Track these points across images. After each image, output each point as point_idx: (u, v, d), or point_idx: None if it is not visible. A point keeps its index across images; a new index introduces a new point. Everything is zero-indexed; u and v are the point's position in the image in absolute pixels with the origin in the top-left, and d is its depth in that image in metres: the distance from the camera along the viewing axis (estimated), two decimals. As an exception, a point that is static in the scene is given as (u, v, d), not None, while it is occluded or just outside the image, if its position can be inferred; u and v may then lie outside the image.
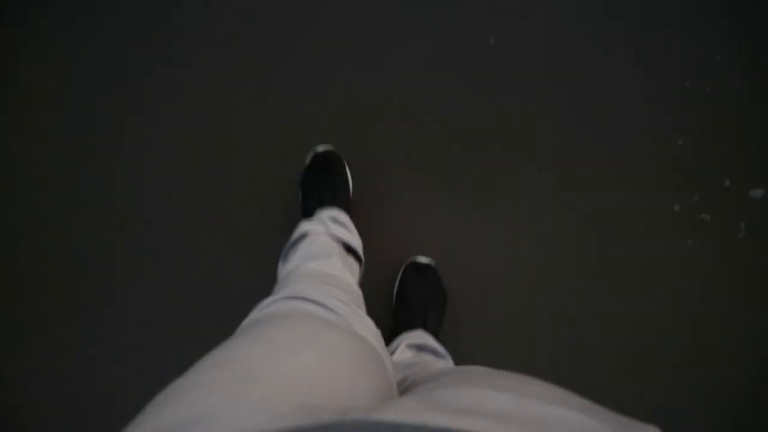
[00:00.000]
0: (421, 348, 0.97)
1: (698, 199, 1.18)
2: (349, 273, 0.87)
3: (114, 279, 1.16)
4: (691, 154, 1.18)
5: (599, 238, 1.17)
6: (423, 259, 1.15)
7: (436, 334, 1.05)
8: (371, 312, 0.97)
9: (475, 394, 0.37)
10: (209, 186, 1.18)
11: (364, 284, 0.95)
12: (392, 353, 0.94)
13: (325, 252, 0.87)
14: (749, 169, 1.18)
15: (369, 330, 0.63)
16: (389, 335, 1.08)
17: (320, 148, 1.14)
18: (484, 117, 1.19)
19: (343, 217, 1.01)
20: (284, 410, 0.36)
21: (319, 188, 1.08)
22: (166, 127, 1.19)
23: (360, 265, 0.99)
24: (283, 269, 0.89)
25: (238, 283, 1.15)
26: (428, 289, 1.12)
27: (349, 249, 0.95)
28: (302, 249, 0.88)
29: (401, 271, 1.15)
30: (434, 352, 0.96)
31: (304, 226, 0.94)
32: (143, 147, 1.19)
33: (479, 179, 1.18)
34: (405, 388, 0.72)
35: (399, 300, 1.12)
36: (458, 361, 1.00)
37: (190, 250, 1.17)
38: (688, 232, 1.17)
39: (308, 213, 1.04)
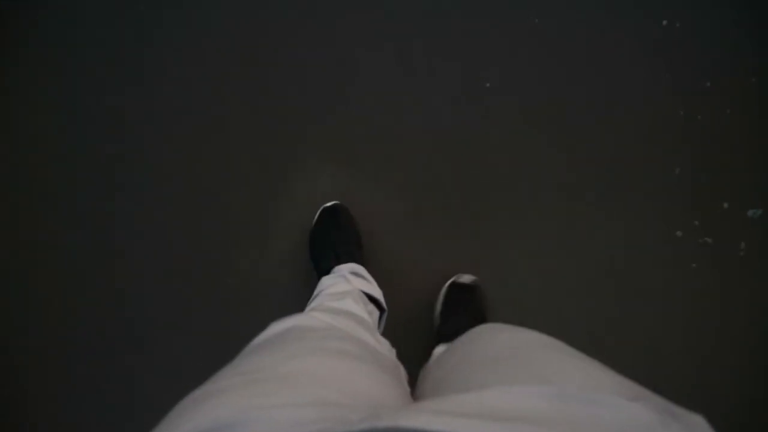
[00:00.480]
0: None
1: (699, 224, 1.21)
2: (367, 315, 0.88)
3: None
4: (690, 181, 1.22)
5: (607, 267, 1.20)
6: (466, 278, 1.14)
7: None
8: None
9: (513, 391, 0.34)
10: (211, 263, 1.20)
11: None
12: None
13: (344, 294, 0.88)
14: (746, 190, 1.22)
15: (384, 345, 0.64)
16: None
17: (328, 204, 1.16)
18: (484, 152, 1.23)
19: (361, 270, 1.03)
20: (311, 411, 0.35)
21: (333, 244, 1.08)
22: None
23: (383, 314, 1.00)
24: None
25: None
26: (472, 308, 1.10)
27: (371, 299, 0.96)
28: (324, 295, 0.90)
29: (444, 291, 1.14)
30: None
31: (326, 281, 0.96)
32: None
33: (480, 219, 1.21)
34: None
35: (442, 319, 1.10)
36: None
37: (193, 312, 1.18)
38: (691, 256, 1.21)
39: (324, 270, 1.05)
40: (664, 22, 1.24)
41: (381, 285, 1.04)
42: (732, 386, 1.17)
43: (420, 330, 1.15)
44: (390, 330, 1.02)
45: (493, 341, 0.57)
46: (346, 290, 0.89)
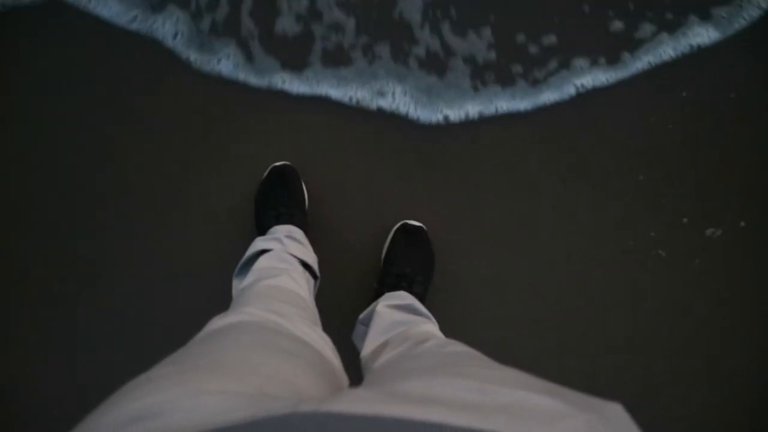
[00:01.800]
0: (404, 309, 0.93)
1: (654, 235, 1.19)
2: (305, 289, 0.89)
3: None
4: (652, 191, 1.19)
5: (561, 258, 1.18)
6: (413, 223, 1.13)
7: (422, 298, 1.02)
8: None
9: (437, 383, 0.37)
10: (161, 206, 1.18)
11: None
12: (372, 313, 0.92)
13: (280, 269, 0.87)
14: (708, 209, 1.19)
15: (322, 340, 0.64)
16: (375, 298, 1.04)
17: (278, 162, 1.14)
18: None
19: (298, 233, 1.01)
20: (240, 400, 0.36)
21: (275, 204, 1.07)
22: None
23: (316, 281, 1.00)
24: (238, 286, 0.90)
25: (193, 302, 1.11)
26: (416, 252, 1.09)
27: (305, 265, 0.95)
28: (257, 266, 0.88)
29: (391, 234, 1.13)
30: (417, 313, 0.93)
31: (260, 243, 0.94)
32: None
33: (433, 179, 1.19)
34: (384, 355, 0.74)
35: (386, 262, 1.10)
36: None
37: (142, 271, 1.16)
38: (640, 266, 1.18)
39: (263, 229, 1.04)
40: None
41: (323, 248, 1.03)
42: (675, 397, 1.15)
43: (366, 286, 1.13)
44: (336, 289, 1.03)
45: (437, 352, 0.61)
46: (280, 269, 0.88)
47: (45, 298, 1.14)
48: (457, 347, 0.58)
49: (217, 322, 0.61)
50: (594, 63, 1.22)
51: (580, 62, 1.21)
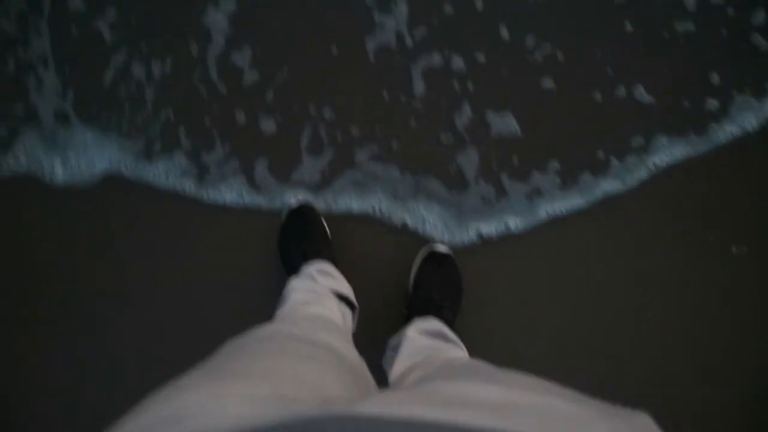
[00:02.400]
0: (432, 334, 0.94)
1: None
2: (338, 316, 0.89)
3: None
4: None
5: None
6: (441, 248, 1.12)
7: (450, 324, 1.02)
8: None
9: (463, 386, 0.37)
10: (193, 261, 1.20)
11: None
12: (401, 338, 0.93)
13: (312, 300, 0.89)
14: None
15: (352, 352, 0.64)
16: (404, 323, 1.04)
17: (294, 203, 1.16)
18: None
19: (328, 267, 1.03)
20: (267, 405, 0.36)
21: (300, 243, 1.08)
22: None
23: (354, 311, 1.00)
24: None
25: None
26: (445, 279, 1.09)
27: (340, 297, 0.96)
28: (290, 301, 0.89)
29: (419, 259, 1.13)
30: (445, 339, 0.93)
31: (293, 282, 0.94)
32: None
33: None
34: (412, 376, 0.74)
35: (415, 288, 1.09)
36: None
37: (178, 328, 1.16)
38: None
39: (293, 270, 1.04)
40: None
41: (353, 276, 1.05)
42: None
43: (395, 312, 1.14)
44: (365, 315, 1.04)
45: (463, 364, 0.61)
46: (313, 298, 0.89)
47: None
48: (485, 363, 0.58)
49: (245, 334, 0.60)
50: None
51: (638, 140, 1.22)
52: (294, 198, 1.18)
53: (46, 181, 1.22)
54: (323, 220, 1.16)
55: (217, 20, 1.26)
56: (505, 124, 1.22)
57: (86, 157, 1.22)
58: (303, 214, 1.13)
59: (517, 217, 1.18)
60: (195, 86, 1.24)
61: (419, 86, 1.23)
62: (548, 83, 1.23)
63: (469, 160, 1.21)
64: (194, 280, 1.18)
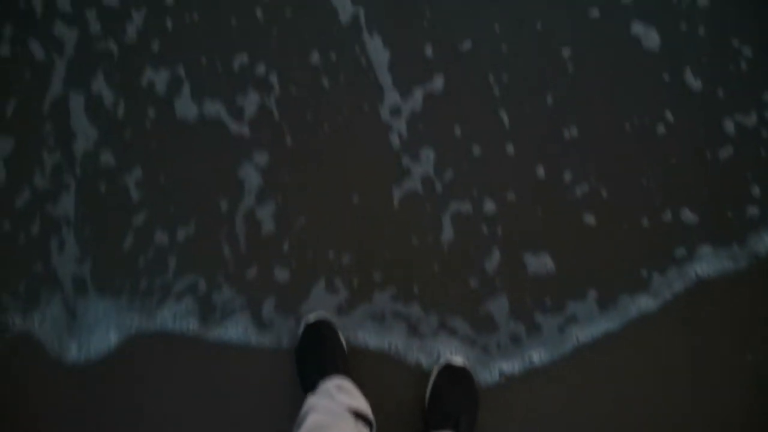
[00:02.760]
0: None
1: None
2: None
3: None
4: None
5: None
6: (457, 361, 1.12)
7: None
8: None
9: None
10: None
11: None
12: None
13: (332, 423, 0.89)
14: None
15: None
16: None
17: (311, 318, 1.15)
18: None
19: (346, 384, 1.02)
20: None
21: (317, 360, 1.09)
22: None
23: (371, 428, 0.99)
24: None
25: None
26: (462, 391, 1.10)
27: (358, 415, 0.96)
28: (306, 425, 0.88)
29: (434, 374, 1.13)
30: None
31: (311, 400, 0.95)
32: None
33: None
34: None
35: (431, 402, 1.10)
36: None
37: None
38: None
39: (310, 386, 1.05)
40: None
41: (369, 388, 1.04)
42: None
43: (412, 427, 1.13)
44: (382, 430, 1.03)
45: None
46: (330, 421, 0.89)
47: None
48: None
49: None
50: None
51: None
52: (312, 313, 1.17)
53: (54, 356, 1.18)
54: (340, 334, 1.15)
55: (250, 174, 1.24)
56: (541, 263, 1.20)
57: (98, 334, 1.19)
58: (320, 329, 1.13)
59: (544, 349, 1.16)
60: (218, 244, 1.21)
61: (448, 232, 1.21)
62: (589, 219, 1.22)
63: (499, 305, 1.19)
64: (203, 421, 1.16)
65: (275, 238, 1.22)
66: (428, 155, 1.24)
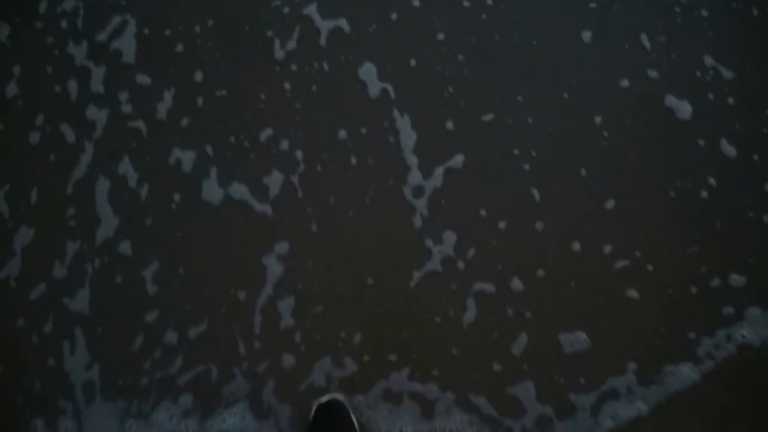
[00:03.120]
0: None
1: None
2: None
3: None
4: None
5: None
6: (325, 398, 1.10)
7: None
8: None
9: None
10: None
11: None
12: None
13: None
14: None
15: None
16: None
17: (323, 398, 1.12)
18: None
19: None
20: None
21: None
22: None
23: None
24: None
25: None
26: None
27: None
28: None
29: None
30: None
31: None
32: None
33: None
34: None
35: None
36: None
37: None
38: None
39: None
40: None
41: None
42: None
43: None
44: None
45: None
46: None
47: None
48: None
49: None
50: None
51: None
52: (325, 396, 1.14)
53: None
54: (352, 415, 1.11)
55: (271, 264, 1.22)
56: (576, 341, 1.14)
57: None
58: (332, 410, 1.10)
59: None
60: (233, 337, 1.18)
61: (471, 313, 1.17)
62: (632, 293, 1.17)
63: (525, 390, 1.13)
64: None
65: (292, 329, 1.18)
66: (449, 236, 1.21)
